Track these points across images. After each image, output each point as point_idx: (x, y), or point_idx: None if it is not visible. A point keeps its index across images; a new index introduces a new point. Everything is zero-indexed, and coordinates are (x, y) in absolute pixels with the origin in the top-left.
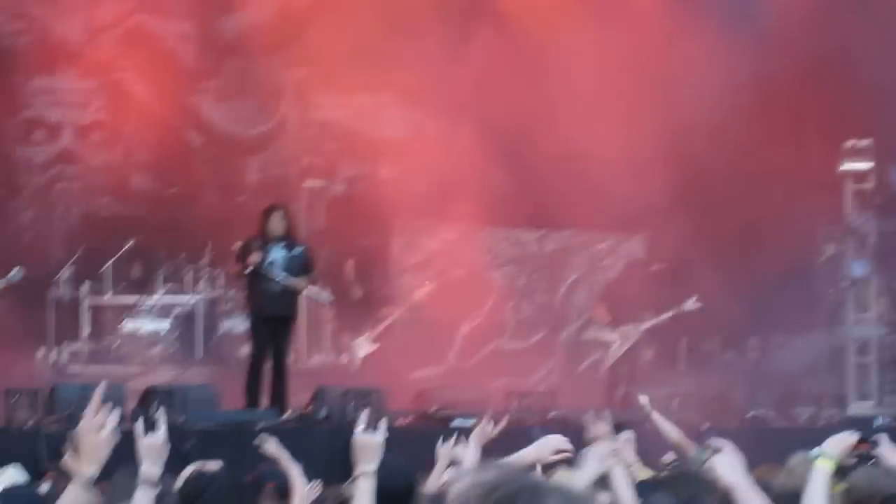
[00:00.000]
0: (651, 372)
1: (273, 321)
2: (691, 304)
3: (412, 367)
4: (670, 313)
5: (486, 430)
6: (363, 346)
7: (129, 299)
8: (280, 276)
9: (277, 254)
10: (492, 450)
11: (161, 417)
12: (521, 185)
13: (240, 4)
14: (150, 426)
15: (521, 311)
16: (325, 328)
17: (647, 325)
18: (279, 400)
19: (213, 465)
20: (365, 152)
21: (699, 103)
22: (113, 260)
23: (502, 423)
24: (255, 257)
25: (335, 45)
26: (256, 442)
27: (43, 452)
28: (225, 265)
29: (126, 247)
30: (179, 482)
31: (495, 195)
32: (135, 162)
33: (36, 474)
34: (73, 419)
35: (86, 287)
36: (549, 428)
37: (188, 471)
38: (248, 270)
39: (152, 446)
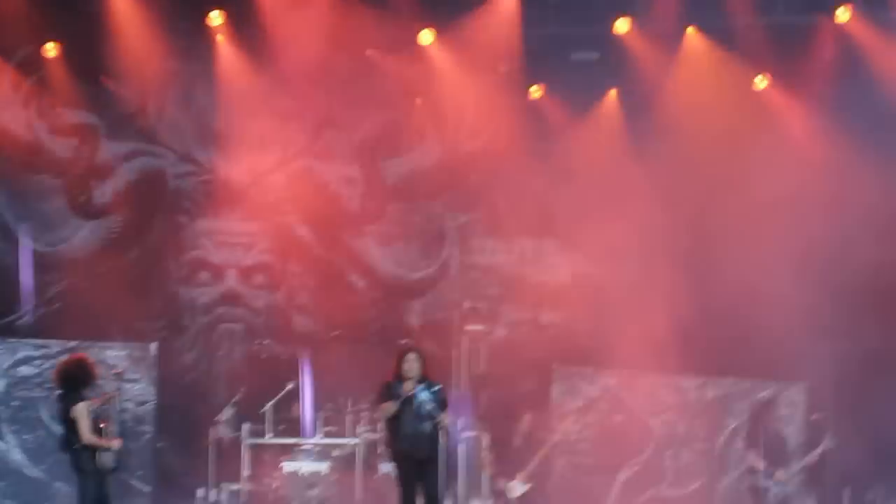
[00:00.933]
0: None
1: (420, 463)
2: (828, 442)
3: None
4: (816, 453)
5: None
6: (517, 488)
7: (290, 441)
8: (432, 409)
9: (421, 393)
10: None
11: None
12: (681, 332)
13: (404, 150)
14: None
15: (680, 459)
16: (483, 473)
17: (797, 468)
18: None
19: None
20: (526, 297)
21: (868, 244)
22: (274, 401)
23: None
24: (409, 385)
25: (497, 191)
26: None
27: None
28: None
29: (286, 389)
30: None
31: (656, 341)
32: (297, 304)
33: None
34: None
35: (247, 427)
36: None
37: None
38: (401, 400)
39: None
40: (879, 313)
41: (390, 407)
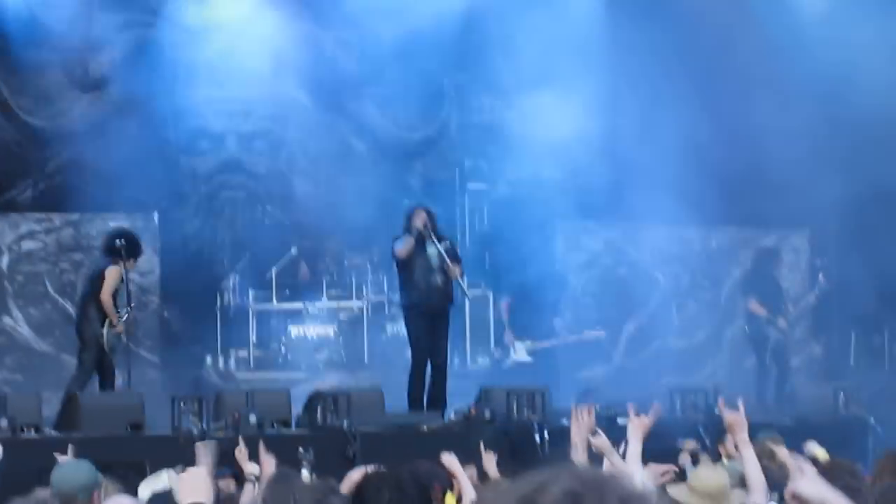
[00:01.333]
0: (820, 367)
1: (431, 316)
2: (820, 280)
3: (577, 366)
4: (812, 295)
5: (642, 422)
6: (521, 352)
7: (295, 305)
8: (443, 261)
9: (431, 247)
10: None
11: None
12: (683, 181)
13: (399, 10)
14: None
15: (685, 309)
16: (489, 330)
17: (791, 314)
18: (439, 401)
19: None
20: (527, 154)
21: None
22: (278, 266)
23: (654, 414)
24: (421, 224)
25: (494, 48)
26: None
27: None
28: (389, 270)
29: (290, 254)
30: (344, 484)
31: (658, 193)
32: (298, 169)
33: None
34: (239, 426)
35: (252, 293)
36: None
37: (353, 474)
38: (416, 238)
39: None
40: (884, 147)
41: (408, 243)
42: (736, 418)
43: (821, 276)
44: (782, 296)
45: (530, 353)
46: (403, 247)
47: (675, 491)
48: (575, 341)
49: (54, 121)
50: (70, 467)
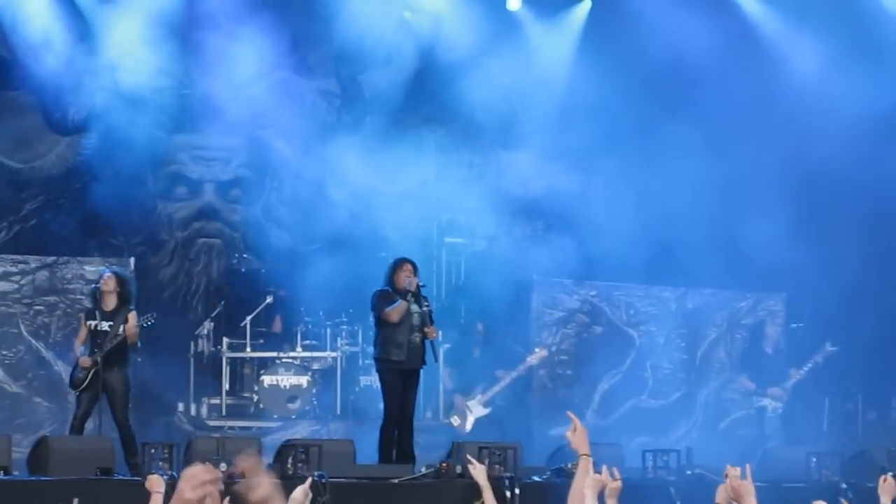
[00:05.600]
0: (793, 431)
1: (407, 374)
2: (827, 349)
3: (550, 423)
4: (809, 364)
5: (600, 479)
6: (475, 409)
7: (269, 354)
8: (423, 320)
9: (414, 307)
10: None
11: None
12: (660, 242)
13: (381, 61)
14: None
15: (660, 369)
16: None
17: (791, 382)
18: (407, 455)
19: None
20: (504, 209)
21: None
22: (253, 315)
23: (616, 474)
24: (414, 282)
25: (474, 103)
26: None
27: None
28: (364, 322)
29: (265, 303)
30: None
31: (635, 252)
32: (275, 218)
33: None
34: None
35: (226, 341)
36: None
37: None
38: (406, 298)
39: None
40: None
41: (401, 307)
42: (743, 485)
43: (828, 344)
44: (771, 366)
45: (486, 404)
46: (396, 311)
47: None
48: (523, 371)
49: (31, 163)
50: None
